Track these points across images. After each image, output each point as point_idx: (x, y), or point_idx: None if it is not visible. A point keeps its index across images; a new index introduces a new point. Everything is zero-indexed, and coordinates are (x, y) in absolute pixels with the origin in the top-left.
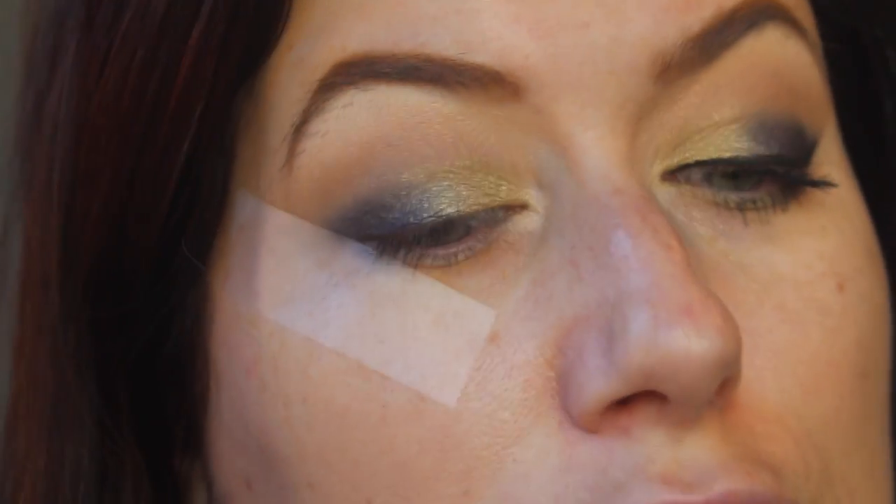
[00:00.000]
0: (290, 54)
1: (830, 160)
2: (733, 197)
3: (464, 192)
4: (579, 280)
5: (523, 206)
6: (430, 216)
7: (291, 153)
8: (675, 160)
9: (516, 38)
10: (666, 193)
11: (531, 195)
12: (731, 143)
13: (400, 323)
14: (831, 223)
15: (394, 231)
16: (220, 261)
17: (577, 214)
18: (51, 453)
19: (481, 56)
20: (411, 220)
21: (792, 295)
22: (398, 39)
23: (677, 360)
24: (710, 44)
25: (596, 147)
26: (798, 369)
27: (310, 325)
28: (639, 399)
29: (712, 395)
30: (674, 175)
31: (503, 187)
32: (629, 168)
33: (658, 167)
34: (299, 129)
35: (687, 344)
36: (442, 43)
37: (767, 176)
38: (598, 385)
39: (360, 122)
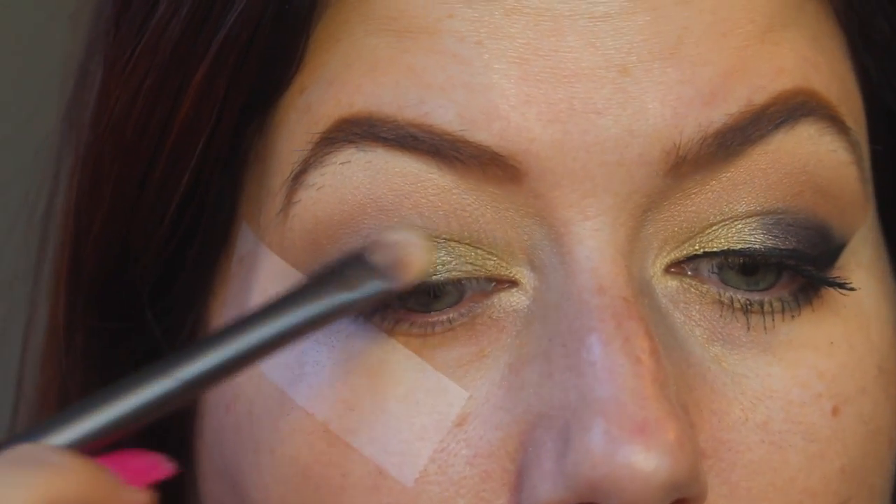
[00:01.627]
0: (301, 98)
1: (859, 263)
2: (740, 297)
3: (454, 263)
4: (549, 376)
5: (513, 283)
6: (416, 283)
7: (288, 200)
8: (684, 252)
9: (522, 120)
10: (667, 288)
11: (523, 273)
12: (744, 237)
13: (371, 393)
14: (842, 337)
15: (377, 293)
16: (220, 288)
17: (561, 306)
18: None
19: (482, 135)
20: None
21: (779, 415)
22: (403, 105)
23: (622, 477)
24: (731, 140)
25: (591, 238)
26: (771, 493)
27: (284, 377)
28: None
29: None
30: (681, 267)
31: (490, 262)
32: (622, 262)
33: (663, 259)
34: (298, 177)
35: (634, 461)
36: (445, 116)
37: (784, 274)
38: (547, 489)
39: (356, 182)
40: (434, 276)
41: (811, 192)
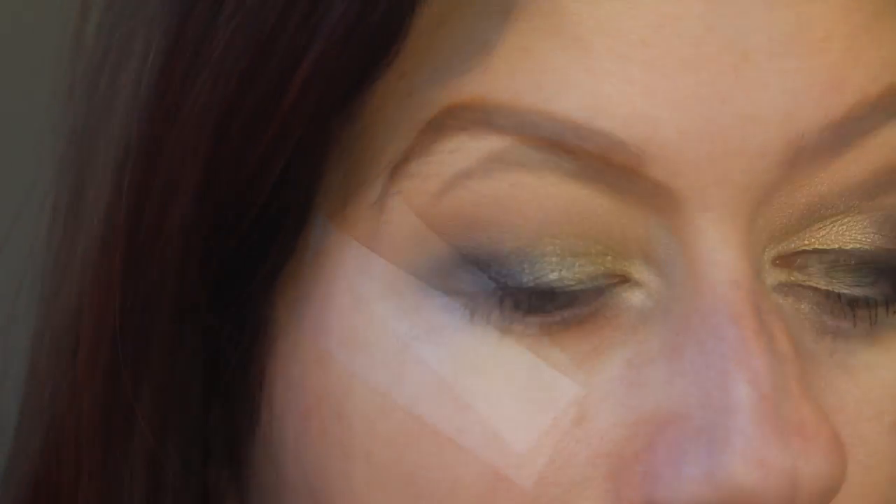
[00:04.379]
0: (401, 83)
1: None
2: (846, 291)
3: (569, 260)
4: (682, 374)
5: (626, 279)
6: (530, 281)
7: (386, 191)
8: (792, 246)
9: (648, 107)
10: (775, 281)
11: (637, 268)
12: (856, 235)
13: (483, 392)
14: None
15: (487, 291)
16: (289, 283)
17: (686, 300)
18: (104, 477)
19: (608, 122)
20: (509, 282)
21: (891, 406)
22: (520, 91)
23: (781, 482)
24: (848, 131)
25: (713, 230)
26: (885, 487)
27: (383, 377)
28: None
29: None
30: (787, 260)
31: (609, 256)
32: (747, 256)
33: (771, 252)
34: (399, 167)
35: (795, 465)
36: (567, 102)
37: (886, 272)
38: (691, 491)
39: (467, 172)
40: (553, 282)
41: None
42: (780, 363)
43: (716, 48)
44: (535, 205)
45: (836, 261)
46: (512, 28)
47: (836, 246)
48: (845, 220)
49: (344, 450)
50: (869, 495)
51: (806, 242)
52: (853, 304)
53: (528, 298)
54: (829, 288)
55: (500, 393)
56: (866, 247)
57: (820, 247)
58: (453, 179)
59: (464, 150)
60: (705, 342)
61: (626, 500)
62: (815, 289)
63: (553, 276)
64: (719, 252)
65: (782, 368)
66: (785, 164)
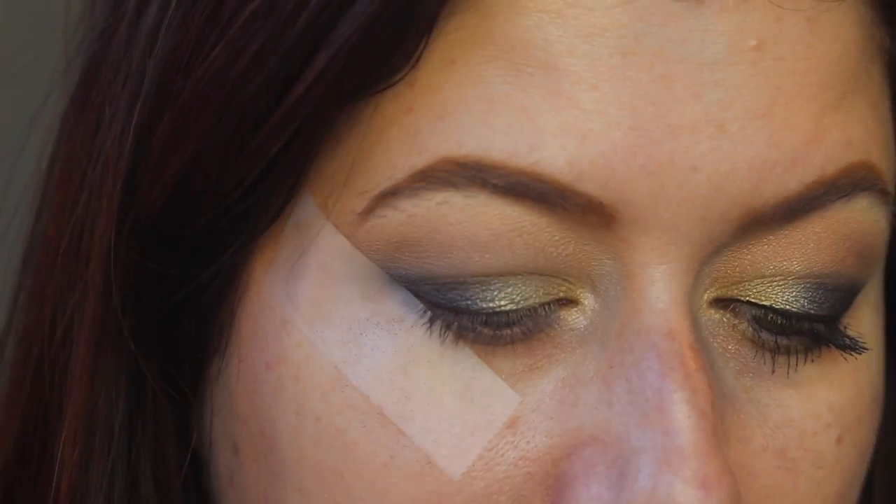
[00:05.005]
0: (408, 119)
1: (868, 301)
2: (771, 339)
3: (526, 292)
4: (609, 404)
5: (573, 302)
6: (486, 307)
7: (371, 210)
8: (730, 293)
9: (627, 171)
10: (710, 320)
11: (584, 295)
12: (788, 297)
13: (429, 386)
14: (849, 373)
15: (447, 306)
16: (268, 244)
17: (625, 337)
18: (89, 394)
19: (590, 185)
20: (468, 304)
21: (794, 443)
22: (515, 152)
23: None
24: (801, 206)
25: (664, 281)
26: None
27: (340, 354)
28: None
29: None
30: (723, 303)
31: (563, 287)
32: (688, 308)
33: (710, 294)
34: (386, 197)
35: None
36: (555, 164)
37: (807, 332)
38: None
39: (451, 220)
40: (511, 307)
41: (853, 257)
42: (699, 418)
43: (696, 115)
44: (508, 250)
45: (765, 316)
46: (515, 83)
47: (768, 303)
48: (781, 283)
49: (296, 408)
50: None
51: (742, 294)
52: (776, 351)
53: (487, 320)
54: (756, 333)
55: (443, 389)
56: (794, 310)
57: (754, 300)
58: (436, 223)
59: (452, 204)
60: (632, 382)
61: (536, 501)
62: (745, 333)
63: (509, 306)
64: (663, 301)
65: (699, 424)
66: (740, 228)
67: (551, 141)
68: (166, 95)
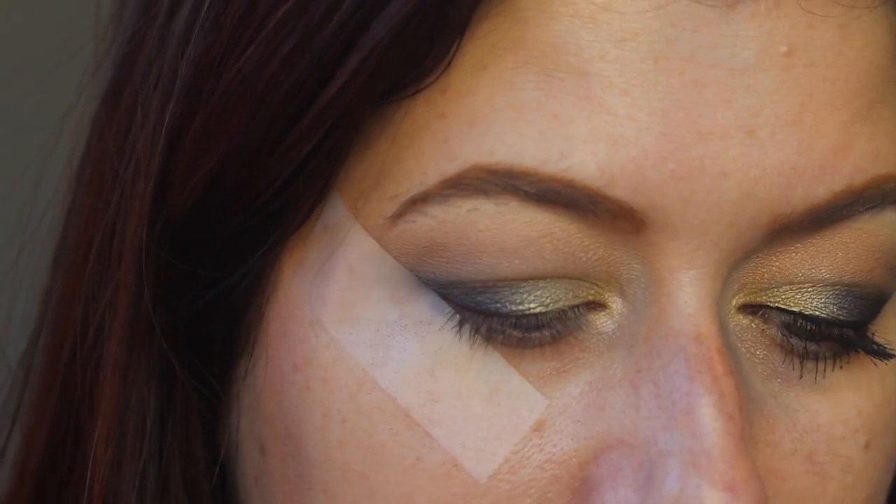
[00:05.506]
0: (439, 125)
1: (895, 310)
2: (800, 344)
3: (555, 295)
4: (636, 408)
5: (602, 306)
6: (516, 309)
7: (401, 215)
8: (758, 299)
9: (657, 177)
10: (738, 325)
11: (613, 299)
12: (817, 304)
13: (457, 389)
14: (877, 380)
15: (477, 309)
16: (297, 245)
17: (652, 342)
18: (121, 393)
19: (621, 191)
20: (498, 307)
21: (823, 447)
22: (546, 159)
23: None
24: (829, 215)
25: (692, 286)
26: None
27: (368, 356)
28: None
29: None
30: (752, 308)
31: (592, 290)
32: (716, 313)
33: (739, 299)
34: (416, 202)
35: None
36: (586, 171)
37: (837, 337)
38: None
39: (481, 227)
40: (541, 310)
41: (882, 268)
42: (726, 421)
43: (726, 121)
44: (538, 256)
45: (794, 322)
46: (546, 89)
47: (797, 309)
48: (810, 289)
49: (323, 410)
50: None
51: (771, 300)
52: (804, 357)
53: (517, 322)
54: (785, 338)
55: (471, 393)
56: (824, 316)
57: (783, 306)
58: (466, 230)
59: (482, 211)
60: (660, 386)
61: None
62: (773, 338)
63: (538, 309)
64: (692, 306)
65: (726, 427)
66: (769, 235)
67: (582, 147)
68: (198, 96)
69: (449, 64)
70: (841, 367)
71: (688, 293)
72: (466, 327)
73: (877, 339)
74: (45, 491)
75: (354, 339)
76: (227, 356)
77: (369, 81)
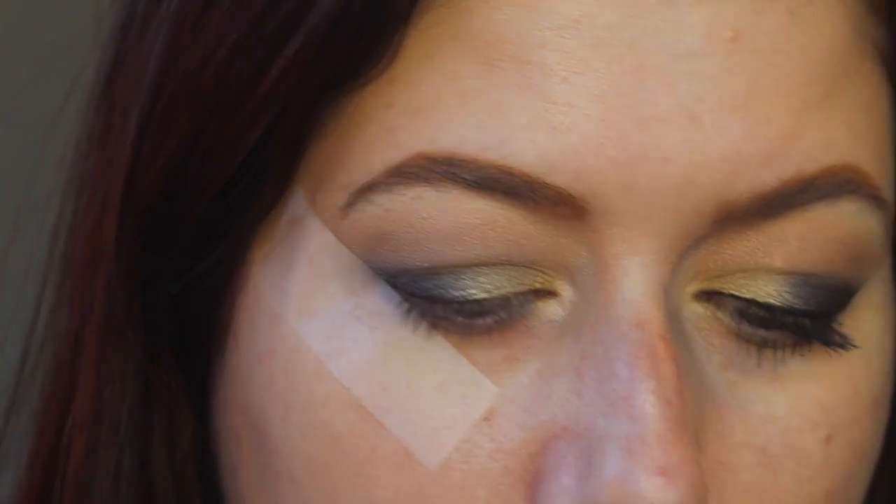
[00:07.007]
0: (387, 114)
1: (870, 302)
2: (757, 332)
3: (498, 282)
4: (579, 395)
5: (551, 294)
6: (459, 295)
7: (351, 204)
8: (712, 286)
9: (597, 163)
10: (692, 313)
11: (563, 287)
12: (770, 291)
13: (407, 378)
14: (845, 371)
15: (423, 295)
16: (265, 238)
17: (597, 329)
18: (98, 379)
19: (560, 177)
20: (441, 293)
21: (777, 440)
22: (486, 147)
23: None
24: (778, 203)
25: (638, 272)
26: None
27: (324, 347)
28: None
29: None
30: (706, 296)
31: (539, 278)
32: (662, 299)
33: (694, 286)
34: (364, 192)
35: (650, 498)
36: (525, 157)
37: (791, 326)
38: (563, 503)
39: (424, 214)
40: (484, 296)
41: (844, 260)
42: (663, 406)
43: (668, 107)
44: (481, 243)
45: (747, 308)
46: (487, 78)
47: (750, 296)
48: (764, 277)
49: (285, 401)
50: None
51: (724, 287)
52: (762, 345)
53: (462, 308)
54: (741, 326)
55: (421, 381)
56: (777, 304)
57: (736, 293)
58: (411, 218)
59: (425, 199)
60: (601, 371)
61: (516, 495)
62: (729, 326)
63: (482, 294)
64: (636, 292)
65: (663, 412)
66: (716, 222)
67: (521, 135)
68: (161, 87)
69: (395, 54)
70: (801, 356)
71: (633, 280)
72: (414, 314)
73: (843, 329)
74: (50, 489)
75: (312, 330)
76: (205, 349)
77: (309, 69)
